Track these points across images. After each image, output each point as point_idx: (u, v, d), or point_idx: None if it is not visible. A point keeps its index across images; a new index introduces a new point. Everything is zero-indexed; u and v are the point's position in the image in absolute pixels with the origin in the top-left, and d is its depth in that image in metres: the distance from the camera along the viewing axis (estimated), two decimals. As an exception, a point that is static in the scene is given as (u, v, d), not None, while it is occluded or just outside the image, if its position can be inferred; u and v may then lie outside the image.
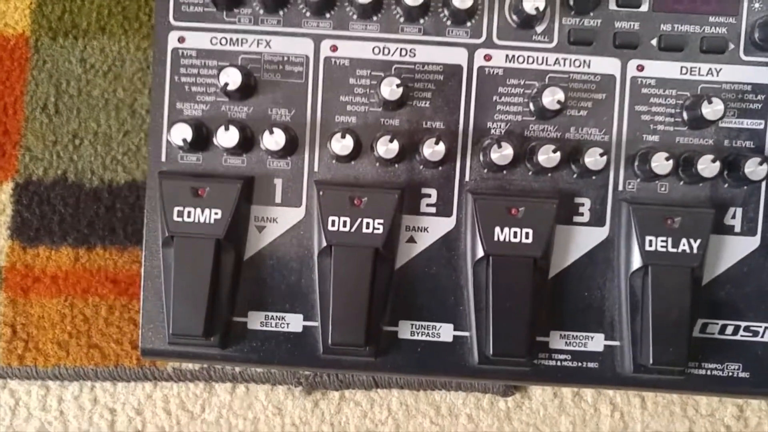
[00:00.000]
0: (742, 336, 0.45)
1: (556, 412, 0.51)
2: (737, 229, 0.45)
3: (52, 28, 0.51)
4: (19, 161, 0.51)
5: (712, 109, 0.42)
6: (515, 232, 0.43)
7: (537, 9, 0.42)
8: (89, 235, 0.50)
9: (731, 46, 0.44)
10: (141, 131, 0.51)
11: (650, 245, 0.43)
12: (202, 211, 0.43)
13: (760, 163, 0.42)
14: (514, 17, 0.44)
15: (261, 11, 0.44)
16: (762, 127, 0.44)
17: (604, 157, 0.42)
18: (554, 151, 0.42)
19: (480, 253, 0.43)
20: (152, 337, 0.44)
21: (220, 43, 0.44)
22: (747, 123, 0.44)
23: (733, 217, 0.45)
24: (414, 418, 0.51)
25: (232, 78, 0.42)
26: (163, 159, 0.44)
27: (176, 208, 0.43)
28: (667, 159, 0.42)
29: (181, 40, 0.44)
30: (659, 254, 0.43)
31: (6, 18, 0.51)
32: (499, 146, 0.42)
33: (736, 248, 0.45)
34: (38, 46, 0.51)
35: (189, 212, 0.43)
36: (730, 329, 0.45)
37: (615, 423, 0.51)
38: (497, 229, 0.43)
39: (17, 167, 0.51)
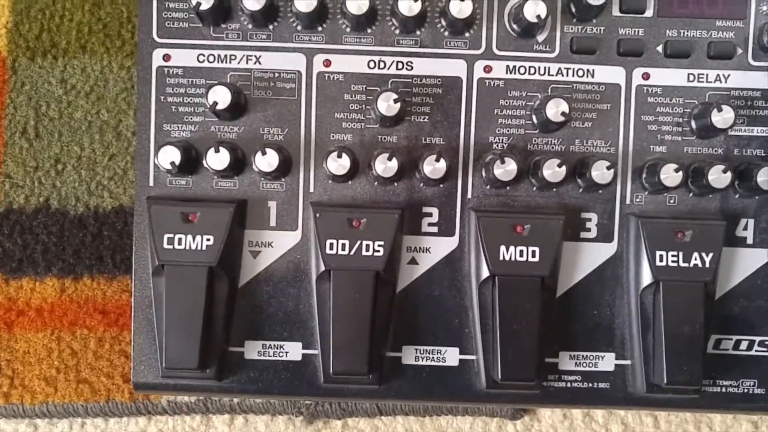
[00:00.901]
0: (756, 351, 0.44)
1: (567, 434, 0.50)
2: (749, 240, 0.44)
3: (30, 47, 0.50)
4: (-2, 189, 0.50)
5: (722, 117, 0.41)
6: (521, 251, 0.42)
7: (538, 17, 0.41)
8: (75, 265, 0.49)
9: (739, 51, 0.43)
10: (127, 154, 0.50)
11: (661, 260, 0.42)
12: (194, 238, 0.41)
13: (773, 172, 0.41)
14: (515, 26, 0.43)
15: (250, 26, 0.43)
16: (773, 134, 0.44)
17: (612, 170, 0.41)
18: (560, 165, 0.41)
19: (485, 273, 0.42)
20: (145, 369, 0.43)
21: (208, 61, 0.43)
22: (757, 131, 0.44)
23: (745, 228, 0.44)
24: (420, 446, 0.50)
25: (221, 97, 0.41)
26: (151, 183, 0.43)
27: (166, 235, 0.42)
28: (677, 170, 0.41)
29: (166, 58, 0.43)
30: (670, 269, 0.42)
31: (-19, 37, 0.50)
32: (502, 161, 0.41)
33: (749, 261, 0.44)
34: (16, 67, 0.50)
35: (180, 239, 0.41)
36: (744, 344, 0.44)
37: (627, 443, 0.50)
38: (502, 248, 0.42)
39: (-3, 195, 0.50)
